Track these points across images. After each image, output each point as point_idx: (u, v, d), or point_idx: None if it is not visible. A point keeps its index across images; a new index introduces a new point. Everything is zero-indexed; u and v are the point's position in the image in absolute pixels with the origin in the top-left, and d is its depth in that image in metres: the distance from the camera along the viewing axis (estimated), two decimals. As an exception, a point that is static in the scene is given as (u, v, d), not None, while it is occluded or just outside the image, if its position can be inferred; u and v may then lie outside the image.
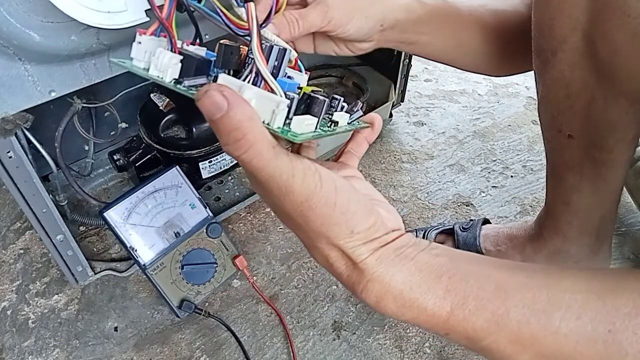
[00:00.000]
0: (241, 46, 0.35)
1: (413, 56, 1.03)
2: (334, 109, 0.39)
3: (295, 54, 0.41)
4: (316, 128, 0.33)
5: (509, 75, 0.69)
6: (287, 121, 0.31)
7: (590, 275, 0.30)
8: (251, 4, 0.31)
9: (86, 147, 0.88)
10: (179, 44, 0.36)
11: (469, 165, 1.06)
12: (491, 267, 0.31)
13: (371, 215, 0.32)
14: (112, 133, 0.90)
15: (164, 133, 0.84)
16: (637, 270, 0.28)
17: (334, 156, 0.43)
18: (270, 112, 0.29)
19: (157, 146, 0.85)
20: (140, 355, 0.73)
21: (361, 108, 0.40)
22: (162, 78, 0.33)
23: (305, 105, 0.33)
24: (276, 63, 0.36)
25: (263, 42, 0.35)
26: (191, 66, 0.33)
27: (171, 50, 0.34)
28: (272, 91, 0.30)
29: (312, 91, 0.35)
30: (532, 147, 1.11)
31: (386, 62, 1.04)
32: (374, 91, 1.07)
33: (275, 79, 0.35)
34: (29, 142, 0.66)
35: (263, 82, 0.31)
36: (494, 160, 1.08)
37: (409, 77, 1.08)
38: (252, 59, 0.31)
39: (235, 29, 0.34)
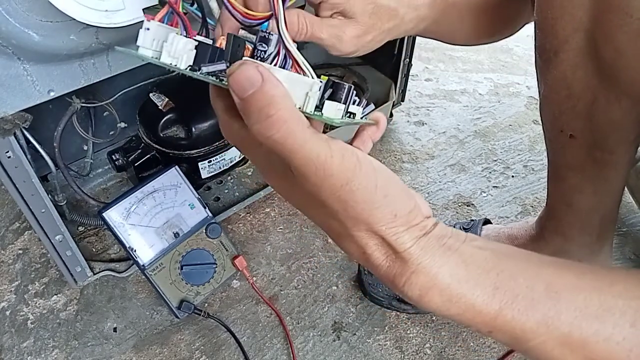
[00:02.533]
0: (247, 44, 0.33)
1: (414, 55, 1.02)
2: (351, 101, 0.37)
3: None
4: (342, 116, 0.31)
5: (482, 44, 0.68)
6: (320, 104, 0.29)
7: None
8: None
9: (85, 147, 0.88)
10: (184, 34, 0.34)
11: (469, 165, 1.06)
12: (538, 265, 0.30)
13: (411, 198, 0.30)
14: (111, 133, 0.89)
15: (163, 133, 0.84)
16: None
17: None
18: (304, 95, 0.27)
19: (156, 146, 0.84)
20: (140, 356, 0.72)
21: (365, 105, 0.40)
22: (176, 65, 0.32)
23: (331, 91, 0.31)
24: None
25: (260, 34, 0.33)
26: (205, 54, 0.31)
27: (186, 36, 0.32)
28: (303, 73, 0.28)
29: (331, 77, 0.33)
30: (533, 147, 1.11)
31: (386, 61, 1.04)
32: (375, 91, 1.07)
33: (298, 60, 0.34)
34: (27, 142, 0.66)
35: (292, 64, 0.29)
36: (495, 160, 1.07)
37: (410, 77, 1.08)
38: (279, 39, 0.29)
39: (242, 19, 0.33)
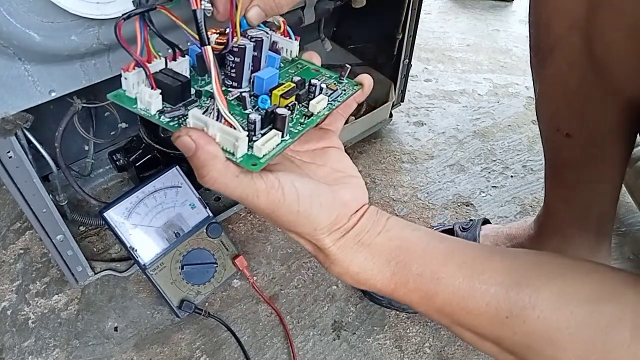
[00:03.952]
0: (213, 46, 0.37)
1: (413, 56, 1.03)
2: (312, 96, 0.40)
3: (281, 19, 0.43)
4: (283, 135, 0.36)
5: None
6: (251, 143, 0.34)
7: (508, 267, 0.37)
8: (208, 48, 0.33)
9: (86, 147, 0.88)
10: (160, 64, 0.38)
11: (469, 165, 1.06)
12: (432, 253, 0.38)
13: (333, 212, 0.37)
14: (112, 133, 0.90)
15: (164, 133, 0.84)
16: (551, 261, 0.39)
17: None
18: (232, 144, 0.33)
19: (157, 146, 0.85)
20: (140, 355, 0.73)
21: (349, 74, 0.43)
22: (148, 111, 0.36)
23: (271, 119, 0.36)
24: (255, 54, 0.40)
25: (239, 44, 0.38)
26: (171, 94, 0.36)
27: (150, 87, 0.36)
28: (232, 127, 0.33)
29: (285, 92, 0.38)
30: (532, 147, 1.11)
31: (386, 62, 1.04)
32: (374, 91, 1.06)
33: (260, 63, 0.40)
34: (29, 142, 0.66)
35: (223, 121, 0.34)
36: (494, 160, 1.08)
37: (409, 77, 1.08)
38: (214, 98, 0.33)
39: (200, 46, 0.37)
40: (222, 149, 0.33)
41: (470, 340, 0.39)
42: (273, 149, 0.35)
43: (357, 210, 0.39)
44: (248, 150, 0.34)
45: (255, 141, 0.34)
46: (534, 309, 0.35)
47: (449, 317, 0.38)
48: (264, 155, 0.34)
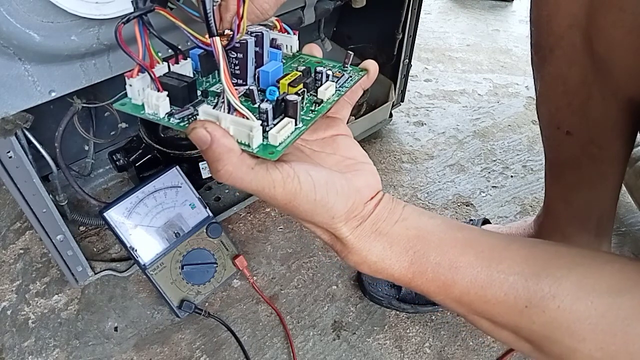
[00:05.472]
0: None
1: (413, 56, 1.03)
2: (319, 83, 0.40)
3: (274, 18, 0.43)
4: (296, 122, 0.36)
5: None
6: (265, 133, 0.34)
7: (526, 257, 0.37)
8: (216, 39, 0.33)
9: (86, 147, 0.88)
10: (163, 69, 0.38)
11: (469, 165, 1.06)
12: (450, 242, 0.38)
13: (349, 199, 0.37)
14: (112, 133, 0.90)
15: (163, 133, 0.84)
16: (570, 251, 0.38)
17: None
18: (247, 135, 0.32)
19: (157, 146, 0.85)
20: (140, 355, 0.73)
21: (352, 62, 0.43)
22: (156, 115, 0.36)
23: (282, 109, 0.36)
24: (257, 49, 0.39)
25: (240, 40, 0.38)
26: (177, 95, 0.36)
27: (156, 90, 0.36)
28: (245, 117, 0.33)
29: (292, 81, 0.37)
30: (532, 147, 1.11)
31: (386, 62, 1.04)
32: (374, 91, 1.07)
33: (262, 59, 0.40)
34: (29, 142, 0.66)
35: (235, 112, 0.33)
36: (494, 160, 1.08)
37: (409, 77, 1.08)
38: (224, 89, 0.33)
39: (204, 47, 0.37)
40: (237, 141, 0.32)
41: (486, 328, 0.39)
42: (288, 136, 0.34)
43: (372, 198, 0.39)
44: (263, 140, 0.33)
45: (269, 130, 0.33)
46: (553, 298, 0.35)
47: (467, 306, 0.38)
48: (280, 144, 0.33)
